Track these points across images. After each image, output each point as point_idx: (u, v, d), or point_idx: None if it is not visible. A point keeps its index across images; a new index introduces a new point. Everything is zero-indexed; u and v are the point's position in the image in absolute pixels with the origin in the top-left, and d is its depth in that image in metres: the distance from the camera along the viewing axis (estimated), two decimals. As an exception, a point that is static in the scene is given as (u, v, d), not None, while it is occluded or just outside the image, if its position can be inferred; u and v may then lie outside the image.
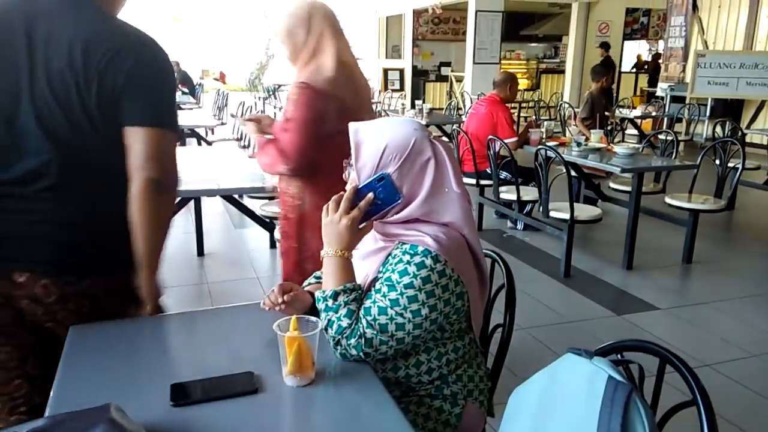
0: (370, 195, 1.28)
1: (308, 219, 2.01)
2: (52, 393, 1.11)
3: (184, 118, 6.86)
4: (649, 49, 13.52)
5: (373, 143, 1.29)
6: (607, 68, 6.79)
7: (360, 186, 1.29)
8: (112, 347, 1.32)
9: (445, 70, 14.25)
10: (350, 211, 1.28)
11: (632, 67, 13.31)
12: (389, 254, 1.30)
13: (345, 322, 1.23)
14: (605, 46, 11.11)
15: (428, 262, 1.23)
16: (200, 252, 4.24)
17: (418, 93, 13.69)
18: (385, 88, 14.13)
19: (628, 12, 12.17)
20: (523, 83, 12.67)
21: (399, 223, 1.32)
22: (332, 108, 1.91)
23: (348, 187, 1.32)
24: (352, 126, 1.33)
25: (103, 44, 1.35)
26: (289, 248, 2.12)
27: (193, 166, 3.80)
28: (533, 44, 15.36)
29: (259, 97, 14.86)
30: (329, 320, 1.24)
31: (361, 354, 1.22)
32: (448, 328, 1.33)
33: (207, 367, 1.23)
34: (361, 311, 1.24)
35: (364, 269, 1.35)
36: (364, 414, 1.12)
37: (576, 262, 3.95)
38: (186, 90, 11.74)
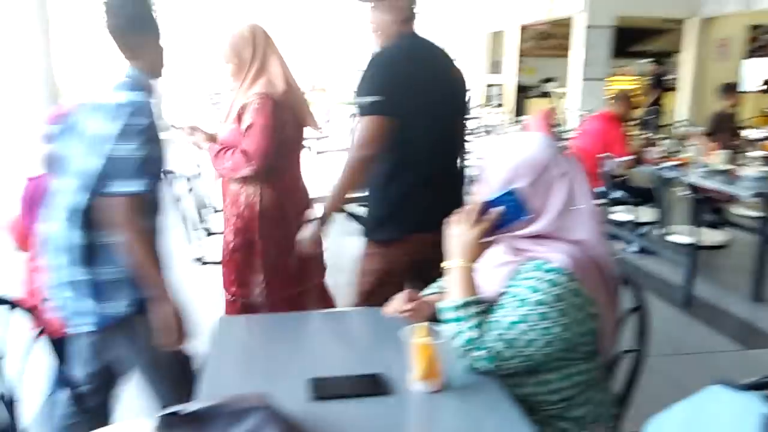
0: (499, 209, 1.29)
1: (267, 215, 2.22)
2: (202, 379, 1.21)
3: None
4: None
5: (505, 157, 1.30)
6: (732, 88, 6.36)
7: (488, 200, 1.30)
8: (253, 339, 1.41)
9: (548, 86, 13.91)
10: (477, 224, 1.29)
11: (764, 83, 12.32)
12: (517, 269, 1.30)
13: (473, 334, 1.23)
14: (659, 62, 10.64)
15: (561, 279, 1.21)
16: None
17: (520, 109, 13.45)
18: (487, 102, 14.04)
19: (750, 29, 11.30)
20: (637, 100, 12.14)
21: (527, 237, 1.31)
22: (287, 117, 2.18)
23: (474, 200, 1.34)
24: (484, 141, 1.34)
25: None
26: (245, 242, 2.24)
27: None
28: (642, 61, 14.65)
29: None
30: (457, 331, 1.26)
31: (490, 366, 1.22)
32: (577, 349, 1.30)
33: (336, 366, 1.28)
34: (490, 324, 1.25)
35: (488, 282, 1.35)
36: (490, 426, 1.12)
37: (696, 289, 3.70)
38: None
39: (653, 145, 4.63)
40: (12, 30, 4.92)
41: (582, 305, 1.23)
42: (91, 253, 1.56)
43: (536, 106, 13.66)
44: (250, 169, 2.15)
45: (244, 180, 2.22)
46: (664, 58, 14.47)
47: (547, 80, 14.16)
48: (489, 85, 14.35)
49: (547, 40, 14.41)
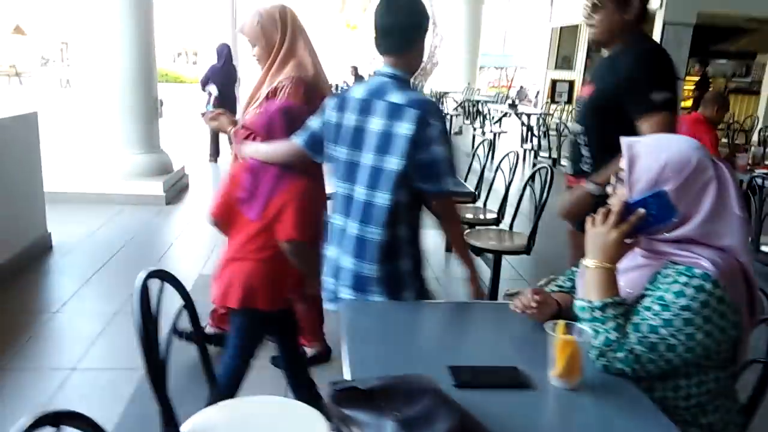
0: (642, 210, 1.28)
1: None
2: (347, 362, 1.25)
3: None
4: None
5: (652, 158, 1.28)
6: None
7: (632, 201, 1.29)
8: (386, 325, 1.45)
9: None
10: (619, 224, 1.28)
11: None
12: (657, 272, 1.29)
13: (613, 335, 1.23)
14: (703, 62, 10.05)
15: (708, 286, 1.20)
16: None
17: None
18: (552, 100, 13.75)
19: None
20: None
21: (670, 241, 1.30)
22: (318, 102, 1.99)
23: (616, 200, 1.33)
24: (627, 140, 1.33)
25: None
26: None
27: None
28: (721, 61, 14.00)
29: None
30: (596, 331, 1.26)
31: (627, 369, 1.22)
32: (714, 357, 1.28)
33: (470, 356, 1.31)
34: (629, 326, 1.24)
35: (625, 283, 1.35)
36: (632, 426, 1.12)
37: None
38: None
39: (744, 150, 4.45)
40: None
41: (725, 313, 1.21)
42: (389, 249, 1.73)
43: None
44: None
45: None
46: (749, 59, 13.81)
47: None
48: (555, 81, 14.03)
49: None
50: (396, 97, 1.69)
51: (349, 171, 1.78)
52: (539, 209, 3.23)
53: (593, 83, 2.12)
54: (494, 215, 3.87)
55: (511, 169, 3.74)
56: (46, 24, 21.27)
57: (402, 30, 1.73)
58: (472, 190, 3.66)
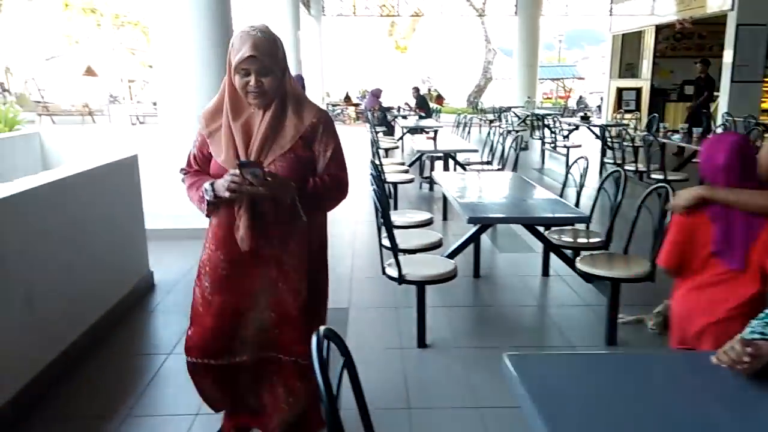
0: None
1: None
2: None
3: (443, 143, 7.21)
4: None
5: None
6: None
7: None
8: (572, 381, 1.34)
9: (688, 89, 12.97)
10: None
11: None
12: None
13: None
14: (705, 62, 9.53)
15: None
16: (476, 274, 4.34)
17: (656, 113, 12.63)
18: (618, 108, 13.34)
19: None
20: None
21: None
22: None
23: None
24: None
25: None
26: (314, 284, 2.07)
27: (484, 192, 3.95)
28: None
29: (484, 120, 15.06)
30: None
31: None
32: None
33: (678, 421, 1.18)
34: None
35: None
36: None
37: None
38: (423, 114, 12.35)
39: None
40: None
41: None
42: None
43: (676, 110, 12.82)
44: (345, 196, 2.04)
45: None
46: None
47: (688, 82, 13.24)
48: (621, 89, 13.63)
49: (685, 41, 13.45)
50: None
51: None
52: (657, 233, 3.04)
53: None
54: (600, 238, 3.69)
55: (620, 188, 3.55)
56: (113, 64, 22.40)
57: None
58: (587, 214, 3.48)
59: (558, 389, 1.31)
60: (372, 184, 3.30)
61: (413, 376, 2.94)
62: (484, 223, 3.52)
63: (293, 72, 2.15)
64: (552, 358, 1.56)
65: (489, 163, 6.94)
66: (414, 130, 9.81)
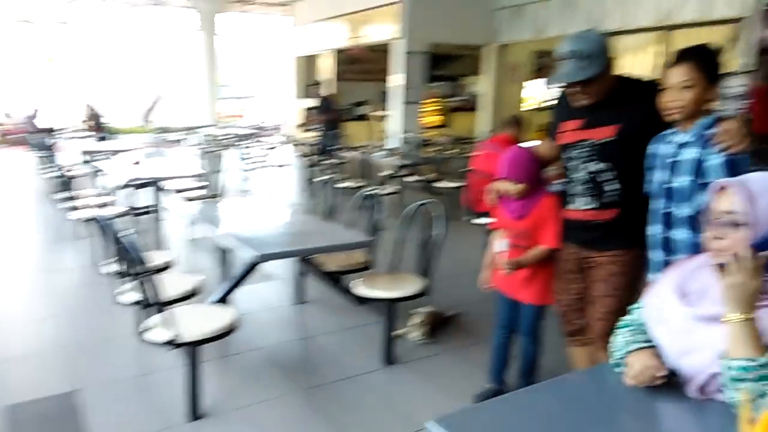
0: None
1: None
2: None
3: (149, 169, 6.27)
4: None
5: None
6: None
7: (758, 241, 1.24)
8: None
9: (361, 109, 14.50)
10: (756, 271, 1.22)
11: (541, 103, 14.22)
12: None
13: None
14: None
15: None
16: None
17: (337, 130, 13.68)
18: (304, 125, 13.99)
19: (535, 55, 12.92)
20: (436, 120, 13.56)
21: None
22: None
23: (732, 244, 1.26)
24: (735, 180, 1.28)
25: None
26: None
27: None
28: (439, 84, 15.95)
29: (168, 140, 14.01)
30: (763, 391, 1.16)
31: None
32: None
33: None
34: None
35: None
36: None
37: None
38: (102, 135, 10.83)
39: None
40: None
41: None
42: None
43: (354, 128, 14.05)
44: None
45: None
46: (460, 79, 15.96)
47: (359, 103, 14.63)
48: (307, 108, 14.34)
49: (354, 65, 14.85)
50: None
51: None
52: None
53: (616, 125, 2.18)
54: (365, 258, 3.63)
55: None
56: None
57: None
58: (370, 237, 3.34)
59: None
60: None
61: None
62: (272, 259, 3.09)
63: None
64: (480, 410, 1.32)
65: (202, 188, 6.29)
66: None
